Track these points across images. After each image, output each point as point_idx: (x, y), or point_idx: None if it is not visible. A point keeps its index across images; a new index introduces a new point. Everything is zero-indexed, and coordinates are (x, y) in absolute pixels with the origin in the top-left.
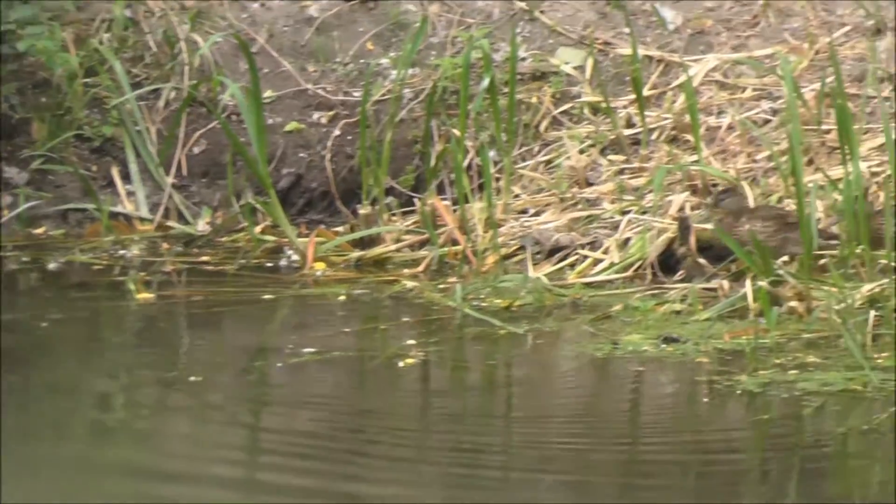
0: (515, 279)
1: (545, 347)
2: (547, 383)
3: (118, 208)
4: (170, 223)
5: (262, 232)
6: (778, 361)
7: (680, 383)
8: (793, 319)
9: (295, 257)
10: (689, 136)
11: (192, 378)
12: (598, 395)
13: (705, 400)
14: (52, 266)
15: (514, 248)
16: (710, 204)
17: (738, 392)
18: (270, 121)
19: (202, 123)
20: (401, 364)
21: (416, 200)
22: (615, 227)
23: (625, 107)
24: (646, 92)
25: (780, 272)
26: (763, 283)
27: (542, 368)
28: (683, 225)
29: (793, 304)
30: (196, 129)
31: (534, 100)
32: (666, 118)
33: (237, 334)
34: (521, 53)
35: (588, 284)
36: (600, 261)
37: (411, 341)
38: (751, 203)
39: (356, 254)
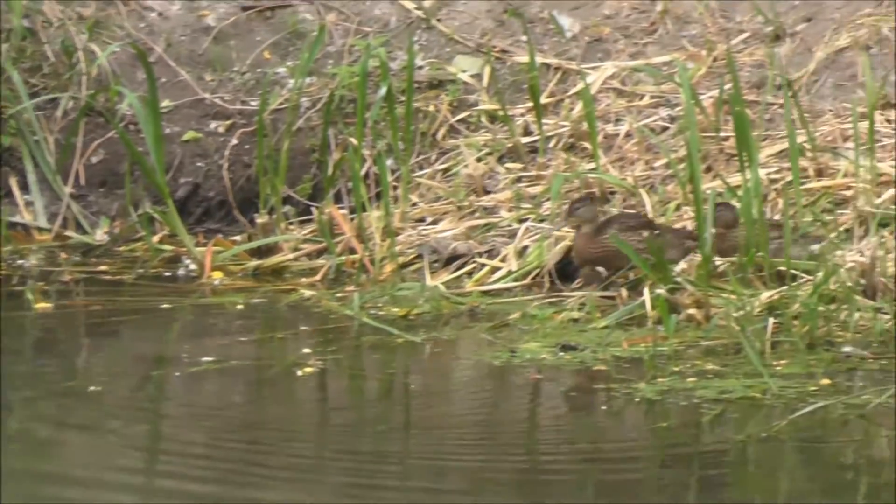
0: (413, 288)
1: (443, 356)
2: (445, 392)
3: (16, 218)
4: (68, 233)
5: (160, 241)
6: (676, 369)
7: (578, 391)
8: (691, 327)
9: (193, 267)
10: (586, 144)
11: (92, 388)
12: (496, 404)
13: (604, 408)
14: None
15: (412, 256)
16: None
17: (637, 400)
18: (168, 130)
19: (100, 133)
20: (299, 373)
21: (313, 209)
22: (513, 235)
23: (522, 115)
24: (543, 100)
25: (679, 280)
26: (661, 291)
27: (440, 377)
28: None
29: (691, 311)
30: (94, 139)
31: (431, 108)
32: (563, 126)
33: (136, 343)
34: (419, 62)
35: (486, 293)
36: (498, 269)
37: (309, 350)
38: (649, 211)
39: (254, 263)
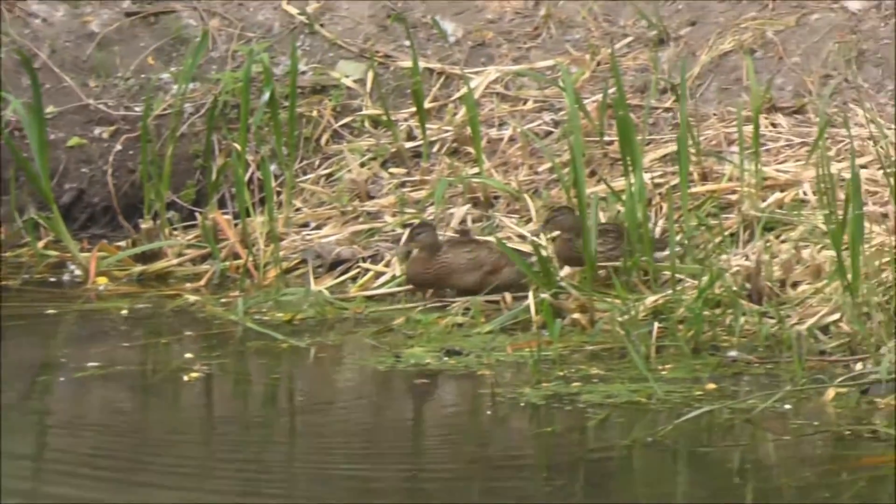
0: (297, 293)
1: (327, 361)
2: (329, 398)
3: None
4: None
5: (45, 247)
6: (561, 374)
7: (463, 396)
8: (576, 331)
9: (78, 272)
10: (470, 149)
11: None
12: (380, 410)
13: (488, 412)
14: None
15: (296, 261)
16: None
17: (522, 404)
18: (53, 136)
19: None
20: (185, 378)
21: (197, 215)
22: (397, 240)
23: (406, 119)
24: (427, 104)
25: (563, 284)
26: (546, 296)
27: (325, 383)
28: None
29: (576, 316)
30: None
31: (315, 113)
32: (447, 130)
33: (21, 349)
34: (302, 67)
35: (370, 298)
36: (382, 274)
37: (193, 355)
38: (532, 216)
39: (138, 268)
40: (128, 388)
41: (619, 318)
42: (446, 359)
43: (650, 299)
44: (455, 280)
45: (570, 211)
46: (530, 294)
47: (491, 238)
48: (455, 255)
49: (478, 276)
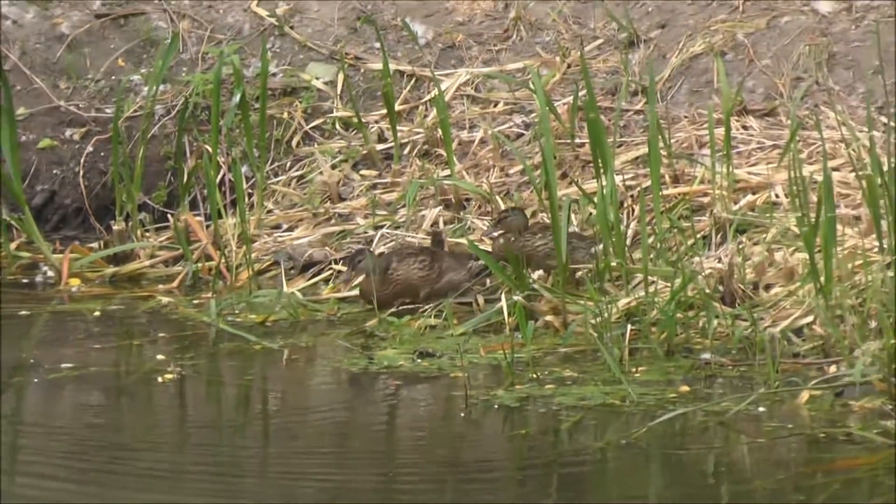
0: (270, 294)
1: (300, 363)
2: (302, 400)
3: None
4: None
5: (18, 248)
6: (535, 376)
7: (436, 398)
8: (549, 334)
9: (50, 273)
10: (441, 151)
11: None
12: (353, 411)
13: (462, 415)
14: None
15: (268, 263)
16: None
17: (496, 407)
18: (24, 138)
19: None
20: (159, 380)
21: (169, 216)
22: (369, 242)
23: (377, 121)
24: (398, 107)
25: (536, 286)
26: (518, 298)
27: (298, 385)
28: (437, 239)
29: (549, 318)
30: None
31: (285, 115)
32: (418, 133)
33: None
34: (272, 69)
35: (342, 299)
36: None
37: (166, 357)
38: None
39: (111, 270)
40: (101, 390)
41: (592, 321)
42: (419, 361)
43: (623, 301)
44: (409, 293)
45: (520, 212)
46: (503, 296)
47: (461, 240)
48: (406, 270)
49: (429, 286)
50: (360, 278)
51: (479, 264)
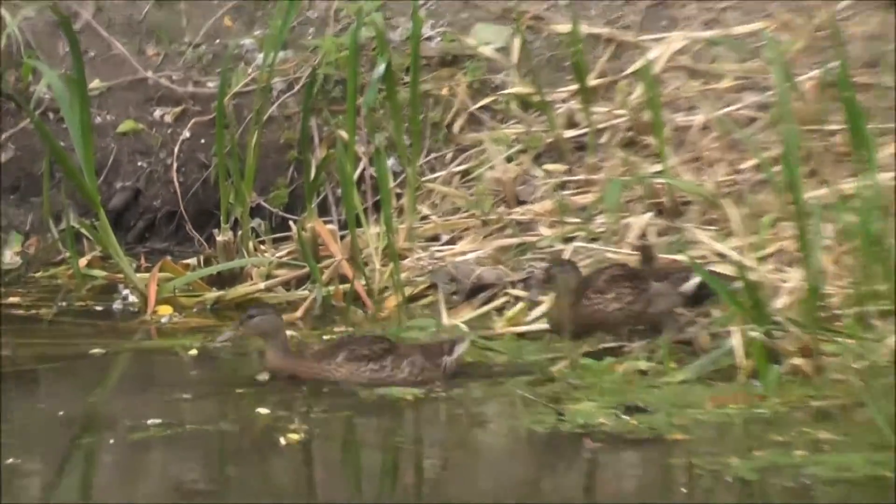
0: (426, 327)
1: (466, 419)
2: (470, 468)
3: None
4: None
5: (89, 265)
6: (780, 439)
7: (649, 467)
8: (797, 381)
9: (132, 299)
10: (650, 139)
11: (10, 460)
12: (537, 485)
13: (683, 490)
14: None
15: (423, 286)
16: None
17: (728, 479)
18: (99, 119)
19: (10, 122)
20: (282, 441)
21: (291, 224)
22: (557, 259)
23: (564, 101)
24: (592, 81)
25: (778, 319)
26: (756, 334)
27: (464, 448)
28: (647, 255)
29: (796, 361)
30: (2, 131)
31: (444, 92)
32: (619, 115)
33: (58, 400)
34: (427, 31)
35: (522, 335)
36: (537, 304)
37: (286, 411)
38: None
39: (213, 294)
40: (202, 457)
41: (855, 365)
42: (626, 417)
43: (893, 339)
44: (610, 329)
45: (572, 266)
46: (734, 332)
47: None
48: (603, 301)
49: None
50: (549, 301)
51: (692, 284)
